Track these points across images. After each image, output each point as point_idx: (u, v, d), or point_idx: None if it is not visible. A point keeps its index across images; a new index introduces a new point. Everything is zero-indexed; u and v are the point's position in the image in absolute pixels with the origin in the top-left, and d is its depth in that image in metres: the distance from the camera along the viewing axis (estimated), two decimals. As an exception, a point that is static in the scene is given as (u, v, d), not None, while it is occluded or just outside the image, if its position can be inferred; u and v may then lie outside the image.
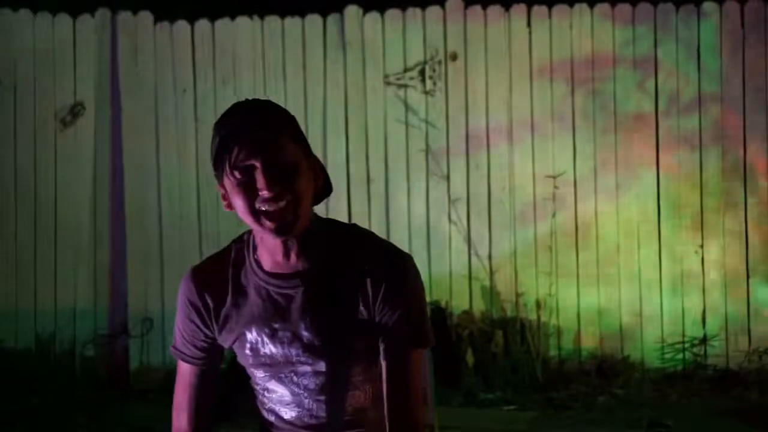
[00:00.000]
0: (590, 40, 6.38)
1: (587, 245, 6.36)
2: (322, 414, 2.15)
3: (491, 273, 6.32)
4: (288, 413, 2.18)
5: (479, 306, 6.31)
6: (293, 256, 2.07)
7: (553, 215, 6.33)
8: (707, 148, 6.36)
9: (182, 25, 6.45)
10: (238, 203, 2.00)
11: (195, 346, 2.17)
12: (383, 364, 2.09)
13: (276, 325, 2.09)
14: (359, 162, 6.38)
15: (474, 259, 6.35)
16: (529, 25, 6.40)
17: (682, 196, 6.36)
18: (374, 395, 2.15)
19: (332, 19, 6.42)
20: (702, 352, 6.27)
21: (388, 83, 6.41)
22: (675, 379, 6.14)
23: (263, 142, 1.96)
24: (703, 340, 6.28)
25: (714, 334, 6.27)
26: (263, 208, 1.97)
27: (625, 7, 6.37)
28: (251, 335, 2.11)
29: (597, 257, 6.36)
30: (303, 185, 1.99)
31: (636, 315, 6.33)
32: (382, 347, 2.09)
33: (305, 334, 2.08)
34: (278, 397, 2.18)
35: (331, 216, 2.32)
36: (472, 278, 6.35)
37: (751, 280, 6.32)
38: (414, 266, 2.11)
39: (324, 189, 2.09)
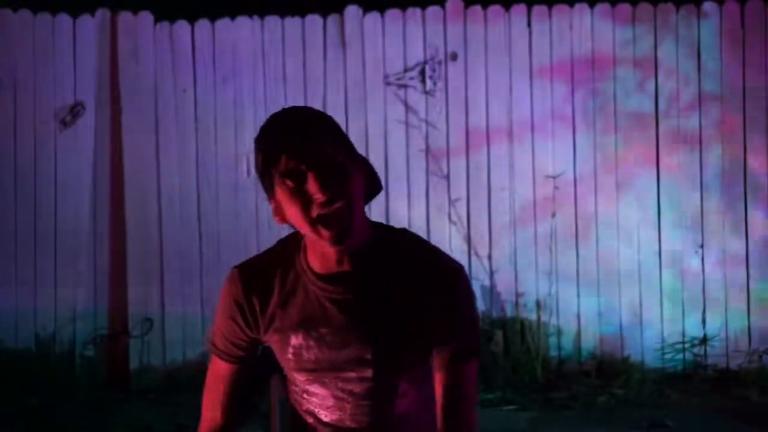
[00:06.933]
0: (590, 40, 6.38)
1: (587, 245, 6.36)
2: (365, 418, 2.13)
3: (491, 273, 6.33)
4: (329, 416, 2.16)
5: (479, 306, 6.30)
6: (346, 261, 2.04)
7: (553, 215, 6.34)
8: (707, 148, 6.37)
9: (182, 25, 6.45)
10: (293, 212, 1.96)
11: (235, 345, 2.16)
12: (438, 375, 2.08)
13: (324, 330, 2.06)
14: (359, 162, 6.36)
15: (474, 259, 6.35)
16: (529, 25, 6.40)
17: (682, 196, 6.36)
18: (418, 401, 2.15)
19: (332, 19, 6.42)
20: (702, 352, 6.27)
21: (388, 83, 6.40)
22: (675, 379, 6.14)
23: (310, 148, 1.94)
24: (703, 340, 6.28)
25: (714, 334, 6.28)
26: (320, 212, 1.93)
27: (625, 7, 6.38)
28: (296, 339, 2.08)
29: (597, 257, 6.36)
30: (354, 187, 1.96)
31: (636, 315, 6.33)
32: (436, 359, 2.08)
33: (355, 341, 2.05)
34: (319, 400, 2.15)
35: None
36: (472, 278, 6.32)
37: (751, 280, 6.33)
38: (466, 277, 2.11)
39: (373, 188, 2.06)
